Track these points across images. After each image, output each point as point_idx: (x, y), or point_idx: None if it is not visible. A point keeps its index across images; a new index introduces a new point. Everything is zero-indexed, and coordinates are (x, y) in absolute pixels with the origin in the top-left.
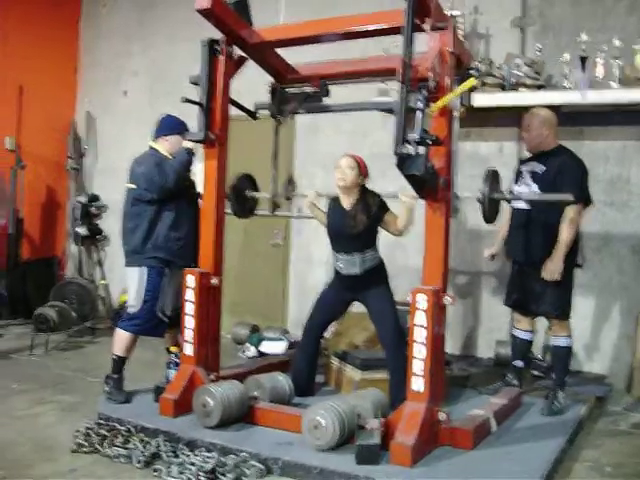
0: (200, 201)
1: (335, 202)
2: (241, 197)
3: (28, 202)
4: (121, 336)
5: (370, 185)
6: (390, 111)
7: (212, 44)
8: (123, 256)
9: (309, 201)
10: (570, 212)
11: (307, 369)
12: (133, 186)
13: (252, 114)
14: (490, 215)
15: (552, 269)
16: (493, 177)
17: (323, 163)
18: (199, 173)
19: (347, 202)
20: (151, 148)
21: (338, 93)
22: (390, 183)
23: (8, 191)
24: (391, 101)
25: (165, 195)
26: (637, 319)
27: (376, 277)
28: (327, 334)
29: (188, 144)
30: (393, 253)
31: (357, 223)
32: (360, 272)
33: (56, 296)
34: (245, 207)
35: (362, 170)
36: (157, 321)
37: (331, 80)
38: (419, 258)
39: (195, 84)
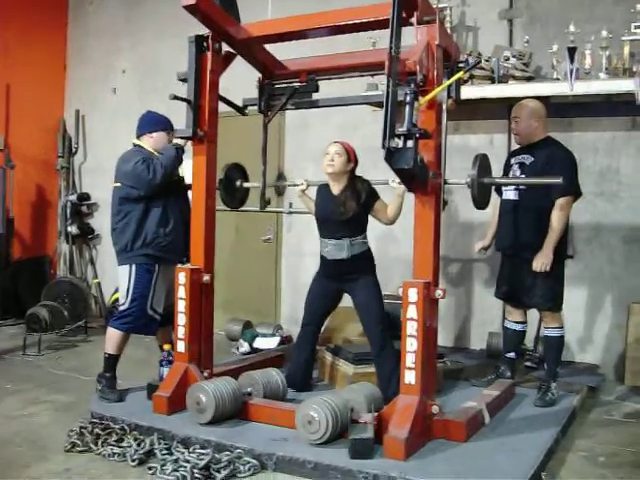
0: (190, 192)
1: (324, 188)
2: (231, 187)
3: (18, 201)
4: (112, 334)
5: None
6: (380, 105)
7: (199, 40)
8: (115, 255)
9: (300, 189)
10: (560, 203)
11: (304, 365)
12: (119, 185)
13: (241, 110)
14: (480, 200)
15: (542, 260)
16: (482, 161)
17: (314, 157)
18: (188, 170)
19: (336, 188)
20: (135, 145)
21: (327, 88)
22: (382, 175)
23: None
24: (380, 94)
25: (153, 191)
26: (628, 309)
27: (363, 265)
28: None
29: (178, 141)
30: (386, 245)
31: (347, 209)
32: (347, 256)
33: (48, 295)
34: (235, 197)
35: (351, 156)
36: (148, 319)
37: (319, 75)
38: (411, 250)
39: (183, 81)
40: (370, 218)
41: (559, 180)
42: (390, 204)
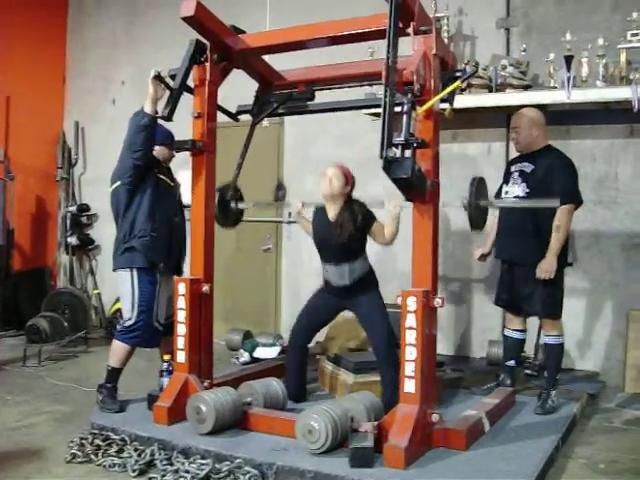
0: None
1: (320, 211)
2: (225, 208)
3: (18, 213)
4: (118, 348)
5: (361, 188)
6: (378, 115)
7: (198, 44)
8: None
9: (296, 211)
10: (562, 212)
11: (296, 376)
12: (118, 184)
13: (233, 116)
14: (477, 222)
15: (546, 268)
16: (479, 184)
17: (314, 167)
18: (186, 180)
19: (332, 211)
20: None
21: (326, 99)
22: (381, 185)
23: None
24: (372, 97)
25: (134, 166)
26: (628, 316)
27: (366, 286)
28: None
29: (147, 110)
30: (385, 254)
31: (343, 232)
32: (350, 283)
33: (48, 306)
34: (229, 217)
35: (348, 180)
36: (154, 331)
37: (318, 85)
38: (410, 259)
39: (172, 77)
40: None
41: (556, 201)
42: (386, 227)
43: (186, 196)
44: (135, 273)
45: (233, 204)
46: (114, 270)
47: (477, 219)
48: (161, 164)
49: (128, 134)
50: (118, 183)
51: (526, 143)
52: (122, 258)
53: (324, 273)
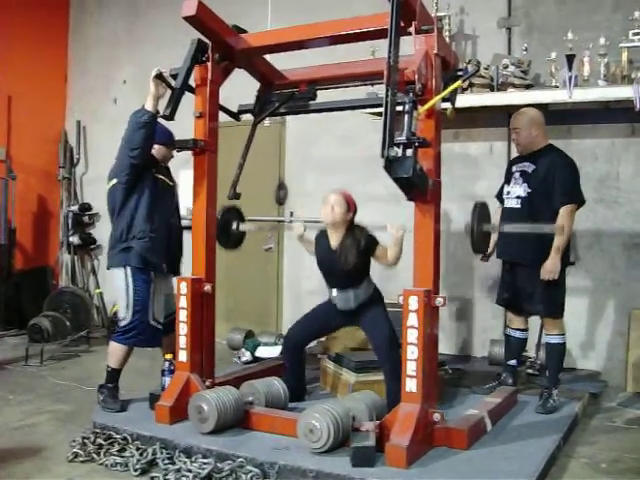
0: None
1: (322, 237)
2: (227, 231)
3: (20, 212)
4: (115, 349)
5: (362, 187)
6: (380, 114)
7: (200, 44)
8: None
9: (297, 234)
10: (564, 212)
11: (290, 376)
12: (115, 181)
13: (235, 116)
14: (479, 246)
15: (550, 269)
16: (481, 209)
17: (315, 167)
18: (187, 180)
19: (335, 238)
20: None
21: (327, 98)
22: (382, 184)
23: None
24: (375, 97)
25: (133, 165)
26: (630, 315)
27: (371, 305)
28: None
29: (148, 107)
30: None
31: (347, 259)
32: (355, 307)
33: (50, 306)
34: (230, 240)
35: (350, 207)
36: (153, 330)
37: (319, 84)
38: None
39: (173, 77)
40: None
41: (554, 226)
42: (389, 250)
43: (186, 196)
44: (129, 272)
45: (234, 226)
46: (108, 268)
47: (479, 244)
48: (159, 164)
49: (127, 131)
50: (115, 181)
51: (526, 143)
52: (117, 257)
53: (329, 295)
